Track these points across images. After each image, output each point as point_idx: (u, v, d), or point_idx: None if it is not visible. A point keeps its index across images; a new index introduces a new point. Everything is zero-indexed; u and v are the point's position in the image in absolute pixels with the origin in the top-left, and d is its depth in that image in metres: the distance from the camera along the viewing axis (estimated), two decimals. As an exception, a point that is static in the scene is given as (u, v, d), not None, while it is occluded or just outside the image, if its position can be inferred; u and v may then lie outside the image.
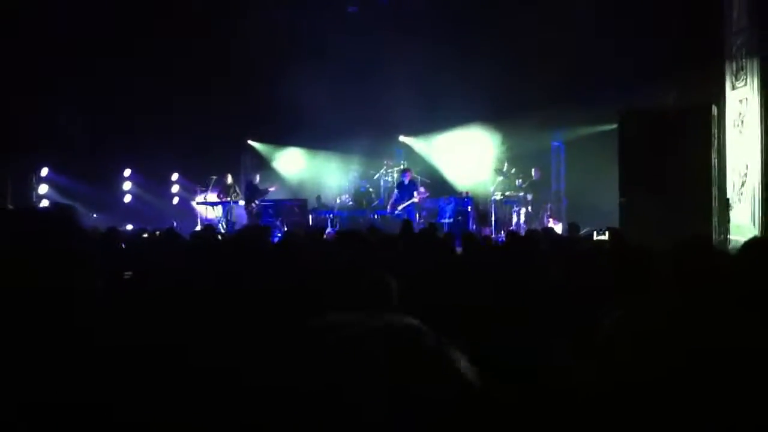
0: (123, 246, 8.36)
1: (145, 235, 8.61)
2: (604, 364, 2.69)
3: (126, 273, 4.67)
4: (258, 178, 15.99)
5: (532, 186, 15.51)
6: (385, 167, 17.03)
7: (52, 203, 15.37)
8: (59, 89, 14.56)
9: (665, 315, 2.72)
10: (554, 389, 2.82)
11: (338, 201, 17.02)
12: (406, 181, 15.65)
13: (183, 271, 5.47)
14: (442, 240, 8.70)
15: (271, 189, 16.04)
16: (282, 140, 18.06)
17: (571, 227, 11.53)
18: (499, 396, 2.81)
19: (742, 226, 10.99)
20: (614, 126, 12.93)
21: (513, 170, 15.74)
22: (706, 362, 2.47)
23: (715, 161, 11.41)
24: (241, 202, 15.98)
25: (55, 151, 15.39)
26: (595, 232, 9.45)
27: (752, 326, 2.58)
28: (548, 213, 15.50)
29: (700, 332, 2.58)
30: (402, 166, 16.37)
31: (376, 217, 15.79)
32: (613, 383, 2.61)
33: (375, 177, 17.13)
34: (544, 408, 2.77)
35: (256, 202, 15.62)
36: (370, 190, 16.88)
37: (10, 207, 11.15)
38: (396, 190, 15.76)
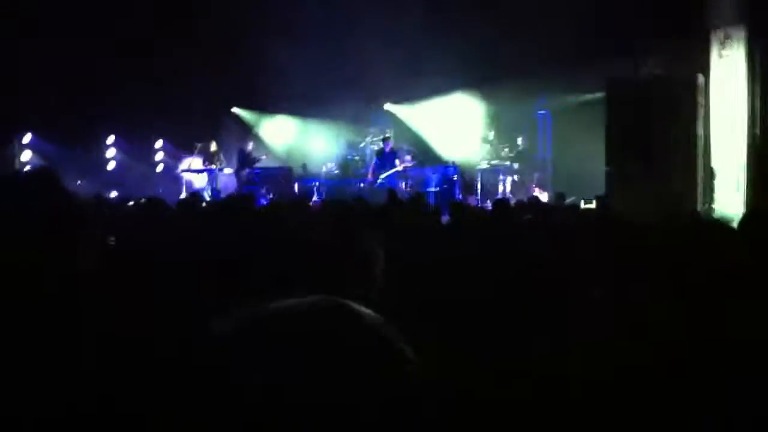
0: (107, 212, 8.33)
1: (131, 203, 8.55)
2: (599, 357, 2.66)
3: (110, 239, 4.63)
4: (251, 146, 15.87)
5: (519, 155, 15.52)
6: (371, 136, 16.98)
7: (33, 167, 15.21)
8: (42, 55, 14.37)
9: (664, 306, 2.68)
10: (547, 380, 2.80)
11: (324, 169, 16.95)
12: (387, 150, 15.63)
13: (169, 240, 5.45)
14: (428, 209, 8.72)
15: (263, 157, 15.96)
16: (268, 108, 17.93)
17: (557, 196, 11.57)
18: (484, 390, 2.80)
19: (727, 195, 11.07)
20: (601, 94, 12.94)
21: (499, 139, 15.71)
22: (707, 355, 2.44)
23: (701, 130, 11.45)
24: (227, 170, 15.91)
25: (38, 118, 15.22)
26: (582, 201, 9.44)
27: (755, 315, 2.53)
28: (534, 182, 15.54)
29: (700, 324, 2.54)
30: (385, 135, 16.27)
31: (362, 186, 15.76)
32: (609, 377, 2.58)
33: (361, 146, 17.07)
34: (533, 402, 2.74)
35: (246, 169, 15.54)
36: (357, 158, 16.84)
37: None
38: (376, 158, 15.73)
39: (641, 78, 12.19)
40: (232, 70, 16.33)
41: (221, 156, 15.80)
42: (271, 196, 14.72)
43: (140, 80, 15.50)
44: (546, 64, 14.43)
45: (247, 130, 18.11)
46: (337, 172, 16.91)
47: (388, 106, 17.75)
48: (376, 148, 16.42)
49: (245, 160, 15.64)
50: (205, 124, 16.52)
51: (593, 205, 8.34)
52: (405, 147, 16.62)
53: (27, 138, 15.52)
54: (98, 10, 14.54)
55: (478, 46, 14.76)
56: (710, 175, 11.51)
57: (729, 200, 10.86)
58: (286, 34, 15.09)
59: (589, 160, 13.36)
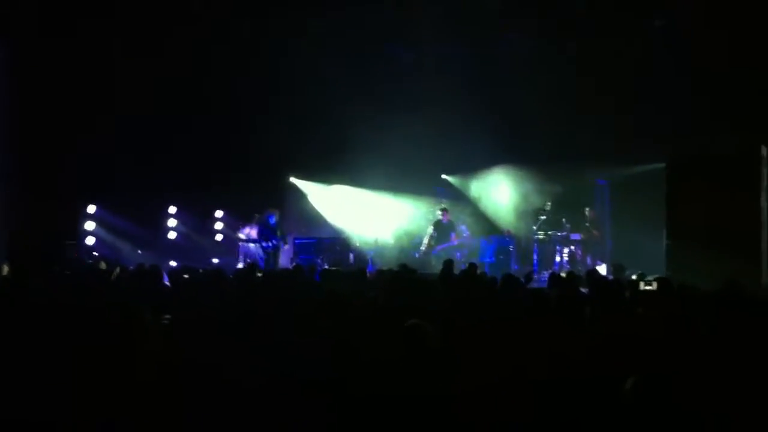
0: (167, 284, 8.46)
1: (186, 276, 8.67)
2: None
3: (165, 317, 4.68)
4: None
5: (585, 226, 15.25)
6: (427, 206, 17.01)
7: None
8: (106, 127, 14.87)
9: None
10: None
11: (379, 239, 16.97)
12: (444, 221, 15.66)
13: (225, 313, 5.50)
14: (483, 282, 8.62)
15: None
16: (324, 178, 18.13)
17: (617, 269, 11.29)
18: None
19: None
20: (661, 165, 12.80)
21: (556, 209, 15.45)
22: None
23: (764, 203, 11.17)
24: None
25: (102, 188, 15.66)
26: (642, 283, 9.09)
27: None
28: (591, 253, 15.24)
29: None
30: (442, 206, 16.30)
31: (417, 256, 15.75)
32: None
33: (416, 215, 17.11)
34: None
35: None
36: (411, 228, 16.87)
37: None
38: (432, 229, 15.73)
39: (702, 152, 11.99)
40: (290, 141, 16.59)
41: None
42: (325, 265, 14.76)
43: (201, 152, 15.89)
44: (605, 135, 14.36)
45: (304, 200, 18.26)
46: (392, 241, 16.94)
47: (445, 176, 17.79)
48: (431, 217, 16.43)
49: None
50: (265, 194, 16.71)
51: (653, 286, 8.06)
52: (461, 217, 16.62)
53: (91, 209, 15.93)
54: (158, 84, 15.01)
55: (536, 118, 14.80)
56: (776, 249, 11.18)
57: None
58: (345, 105, 15.34)
59: (647, 232, 13.13)
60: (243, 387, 3.48)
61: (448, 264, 10.42)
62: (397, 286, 7.83)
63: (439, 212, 16.04)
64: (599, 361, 3.86)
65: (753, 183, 11.10)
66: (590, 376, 3.59)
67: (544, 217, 15.40)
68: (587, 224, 15.28)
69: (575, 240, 15.19)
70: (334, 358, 3.82)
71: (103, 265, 11.38)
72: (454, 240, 15.57)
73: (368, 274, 10.75)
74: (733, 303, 4.80)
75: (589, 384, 3.49)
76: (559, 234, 15.22)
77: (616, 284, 7.45)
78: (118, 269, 10.16)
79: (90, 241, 15.80)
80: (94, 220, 15.99)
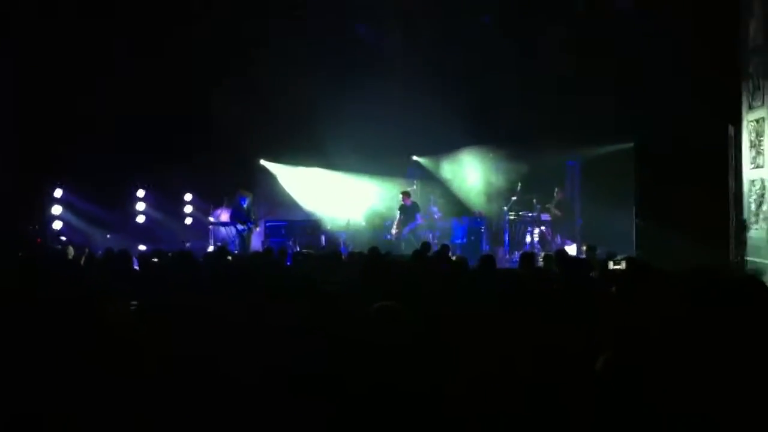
0: (136, 268, 8.36)
1: (155, 260, 8.57)
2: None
3: (132, 303, 4.61)
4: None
5: (559, 205, 15.36)
6: (398, 187, 16.99)
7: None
8: (73, 109, 14.61)
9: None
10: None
11: (351, 221, 16.94)
12: (408, 205, 15.66)
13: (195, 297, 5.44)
14: (454, 263, 8.63)
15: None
16: (295, 160, 18.00)
17: (589, 249, 11.37)
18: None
19: (760, 247, 10.84)
20: (630, 145, 12.90)
21: (527, 190, 15.56)
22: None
23: (732, 182, 11.30)
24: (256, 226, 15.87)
25: (69, 172, 15.41)
26: (611, 262, 9.14)
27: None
28: (561, 233, 15.34)
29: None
30: (411, 188, 16.33)
31: (389, 237, 15.77)
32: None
33: (388, 197, 17.09)
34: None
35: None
36: (383, 210, 16.85)
37: None
38: (398, 213, 15.76)
39: (670, 132, 12.09)
40: (261, 123, 16.42)
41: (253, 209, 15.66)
42: (297, 248, 14.70)
43: (170, 134, 15.67)
44: (576, 118, 14.41)
45: (274, 182, 18.12)
46: (363, 224, 16.92)
47: (416, 158, 17.76)
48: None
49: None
50: (234, 177, 16.55)
51: (623, 266, 8.13)
52: (432, 198, 16.63)
53: (58, 193, 15.68)
54: (129, 65, 14.77)
55: (507, 99, 14.82)
56: (742, 227, 11.31)
57: (762, 252, 10.63)
58: (315, 88, 15.21)
59: (618, 211, 13.23)
60: (216, 374, 3.44)
61: (425, 246, 10.52)
62: (370, 270, 7.80)
63: (400, 197, 16.00)
64: (569, 338, 3.87)
65: (720, 162, 11.23)
66: (563, 355, 3.59)
67: (515, 198, 15.51)
68: (548, 205, 15.40)
69: (546, 220, 15.32)
70: (312, 347, 3.78)
71: (70, 251, 11.21)
72: (420, 219, 15.62)
73: (343, 257, 10.73)
74: (704, 287, 4.83)
75: (562, 363, 3.50)
76: (529, 214, 15.35)
77: (585, 263, 7.53)
78: (86, 253, 10.03)
79: (57, 225, 15.55)
80: (60, 204, 15.72)
